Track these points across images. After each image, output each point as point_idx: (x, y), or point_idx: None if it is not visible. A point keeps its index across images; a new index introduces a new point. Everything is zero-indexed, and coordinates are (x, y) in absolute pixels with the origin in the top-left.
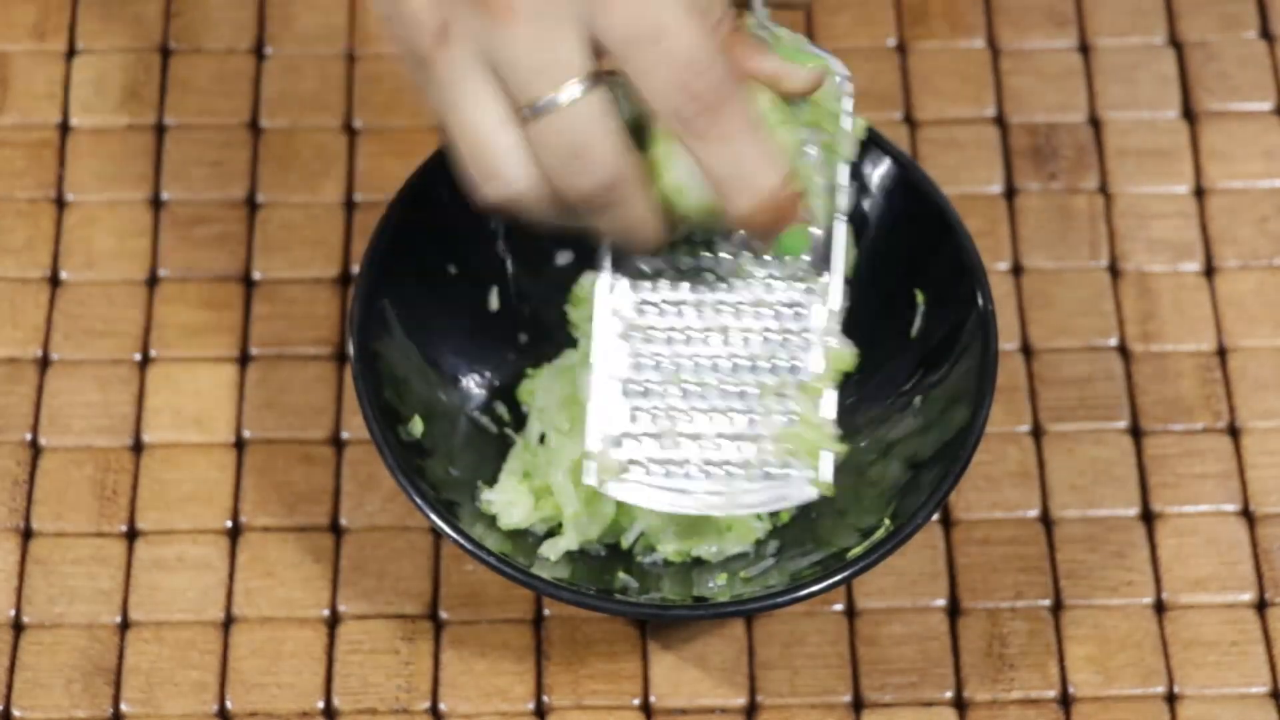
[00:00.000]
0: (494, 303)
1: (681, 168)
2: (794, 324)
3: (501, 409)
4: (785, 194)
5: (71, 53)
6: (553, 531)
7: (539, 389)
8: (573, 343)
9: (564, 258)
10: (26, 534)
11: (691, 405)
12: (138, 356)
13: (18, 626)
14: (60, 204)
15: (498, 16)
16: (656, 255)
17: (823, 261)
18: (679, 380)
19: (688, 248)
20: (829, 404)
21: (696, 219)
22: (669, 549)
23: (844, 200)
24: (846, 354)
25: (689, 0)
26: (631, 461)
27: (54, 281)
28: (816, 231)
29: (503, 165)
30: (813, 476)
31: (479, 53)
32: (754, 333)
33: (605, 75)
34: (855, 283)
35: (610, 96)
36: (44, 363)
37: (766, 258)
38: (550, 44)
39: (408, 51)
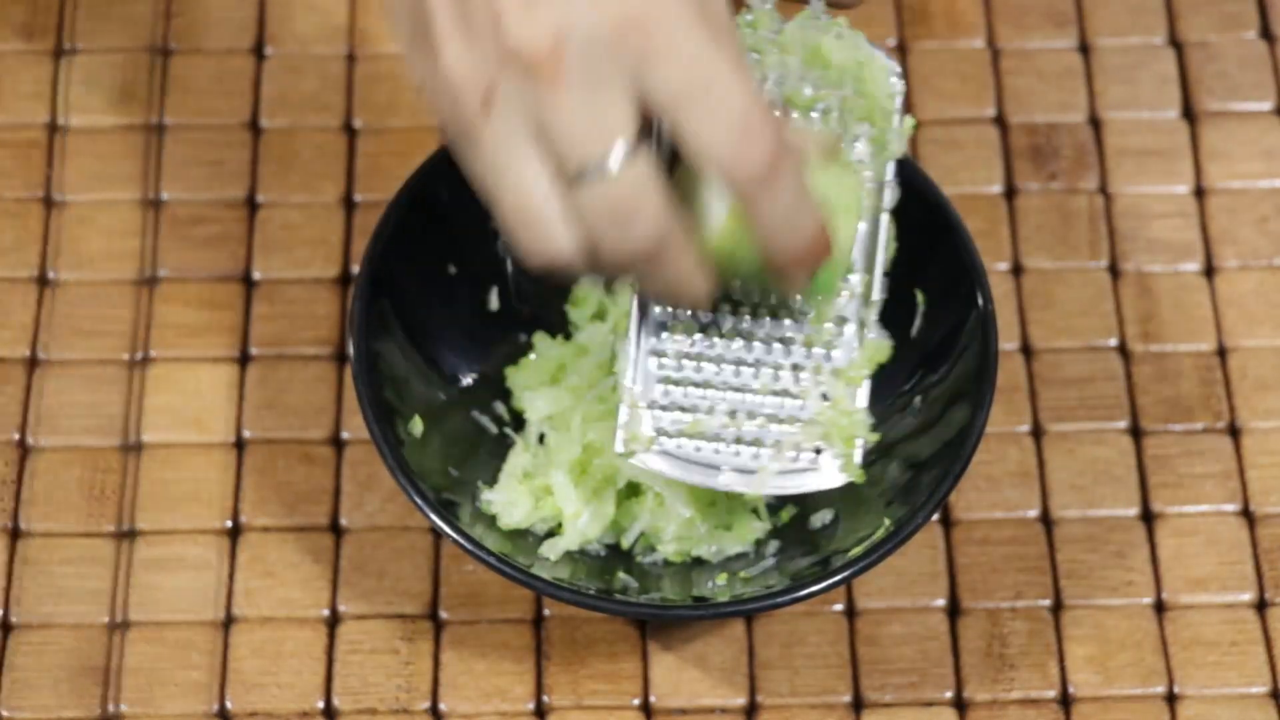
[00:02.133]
0: (494, 303)
1: (729, 223)
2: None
3: (501, 409)
4: (825, 237)
5: (60, 52)
6: (553, 532)
7: (530, 386)
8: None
9: None
10: (15, 534)
11: (725, 381)
12: (127, 356)
13: (6, 626)
14: (49, 204)
15: (546, 81)
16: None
17: (864, 256)
18: (715, 358)
19: (729, 306)
20: (863, 393)
21: (744, 271)
22: (669, 549)
23: (890, 196)
24: (884, 344)
25: (737, 56)
26: (660, 432)
27: (42, 281)
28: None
29: (551, 231)
30: (843, 463)
31: (525, 119)
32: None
33: (645, 128)
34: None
35: (654, 156)
36: (32, 362)
37: (800, 308)
38: (599, 106)
39: (450, 119)
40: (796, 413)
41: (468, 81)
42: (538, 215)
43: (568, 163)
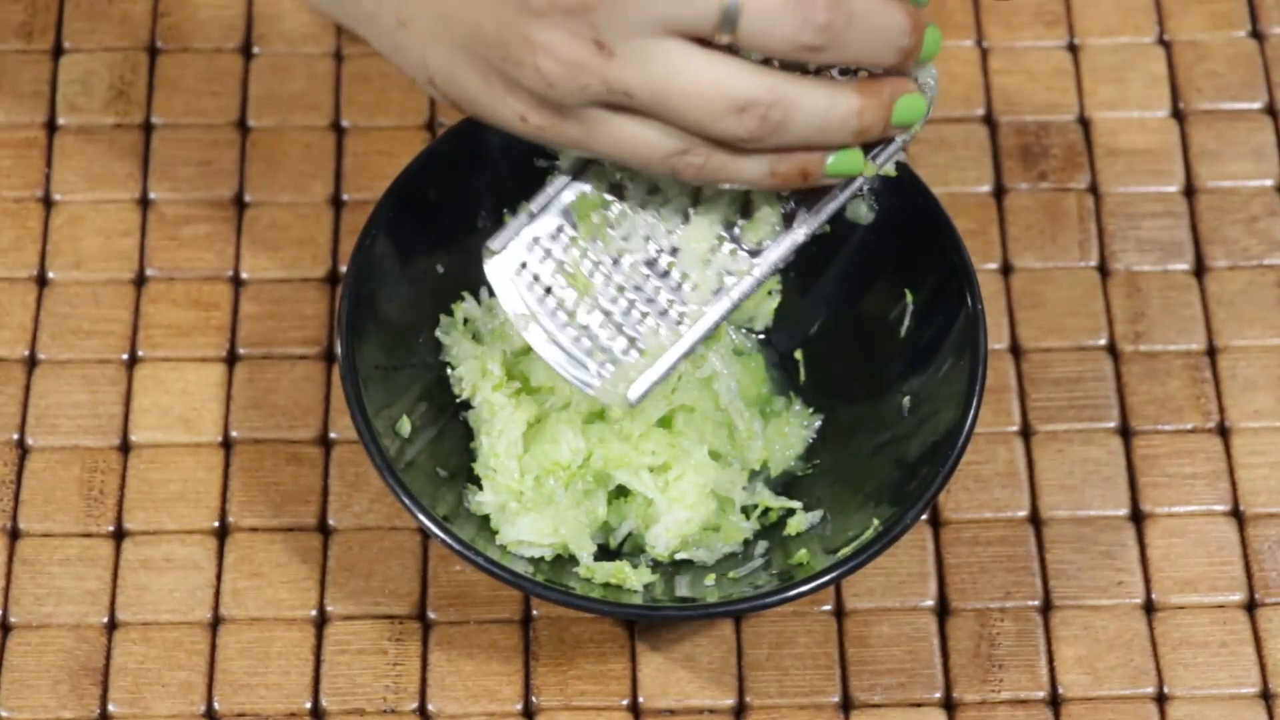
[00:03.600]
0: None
1: None
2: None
3: None
4: (917, 19)
5: (59, 52)
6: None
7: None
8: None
9: None
10: (14, 534)
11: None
12: (125, 356)
13: (5, 627)
14: (47, 203)
15: None
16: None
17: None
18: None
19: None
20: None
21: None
22: (657, 549)
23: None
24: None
25: None
26: (524, 267)
27: (41, 281)
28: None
29: (741, 82)
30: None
31: (644, 28)
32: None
33: None
34: (844, 284)
35: None
36: (31, 362)
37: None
38: None
39: (583, 96)
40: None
41: (577, 50)
42: (721, 81)
43: (707, 24)
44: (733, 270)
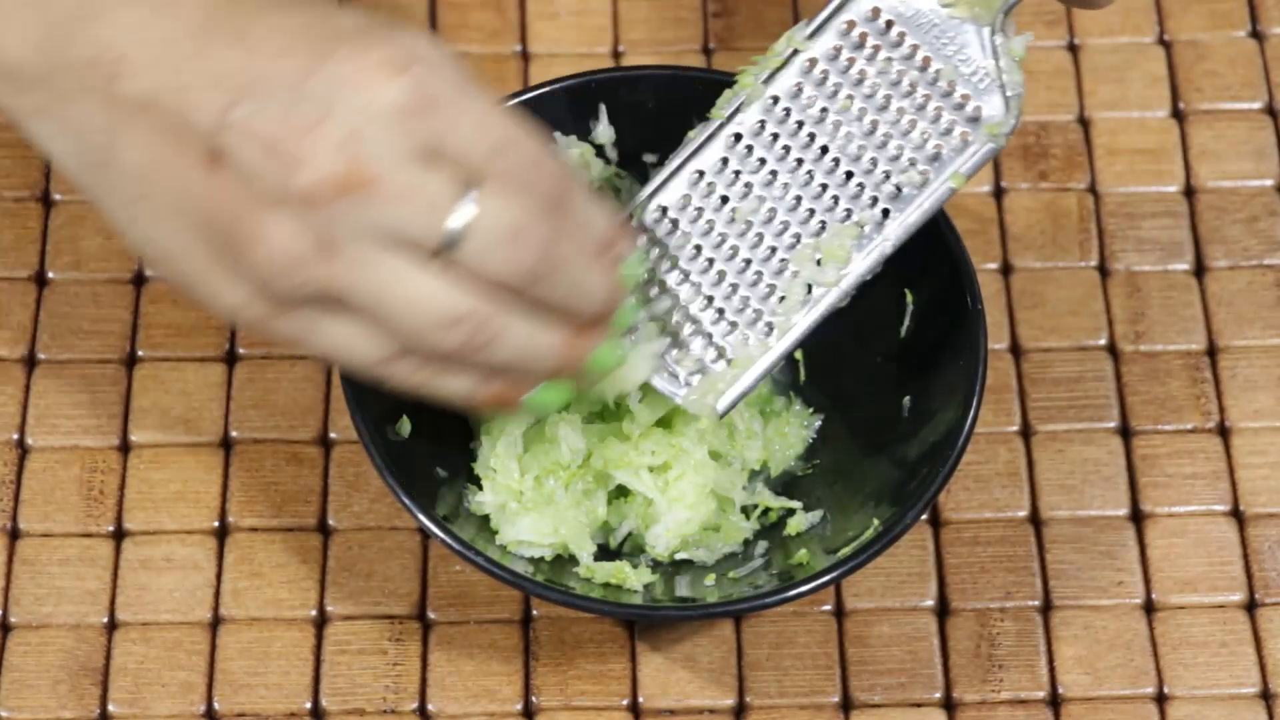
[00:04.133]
0: None
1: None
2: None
3: None
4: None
5: None
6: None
7: None
8: None
9: None
10: (14, 534)
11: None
12: (125, 356)
13: (5, 627)
14: (47, 203)
15: (366, 192)
16: None
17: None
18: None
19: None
20: None
21: None
22: (657, 549)
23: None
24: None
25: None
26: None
27: (41, 281)
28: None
29: (454, 302)
30: None
31: (373, 236)
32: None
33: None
34: None
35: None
36: (31, 362)
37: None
38: (427, 181)
39: (303, 291)
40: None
41: (300, 245)
42: (436, 295)
43: (431, 240)
44: (820, 281)
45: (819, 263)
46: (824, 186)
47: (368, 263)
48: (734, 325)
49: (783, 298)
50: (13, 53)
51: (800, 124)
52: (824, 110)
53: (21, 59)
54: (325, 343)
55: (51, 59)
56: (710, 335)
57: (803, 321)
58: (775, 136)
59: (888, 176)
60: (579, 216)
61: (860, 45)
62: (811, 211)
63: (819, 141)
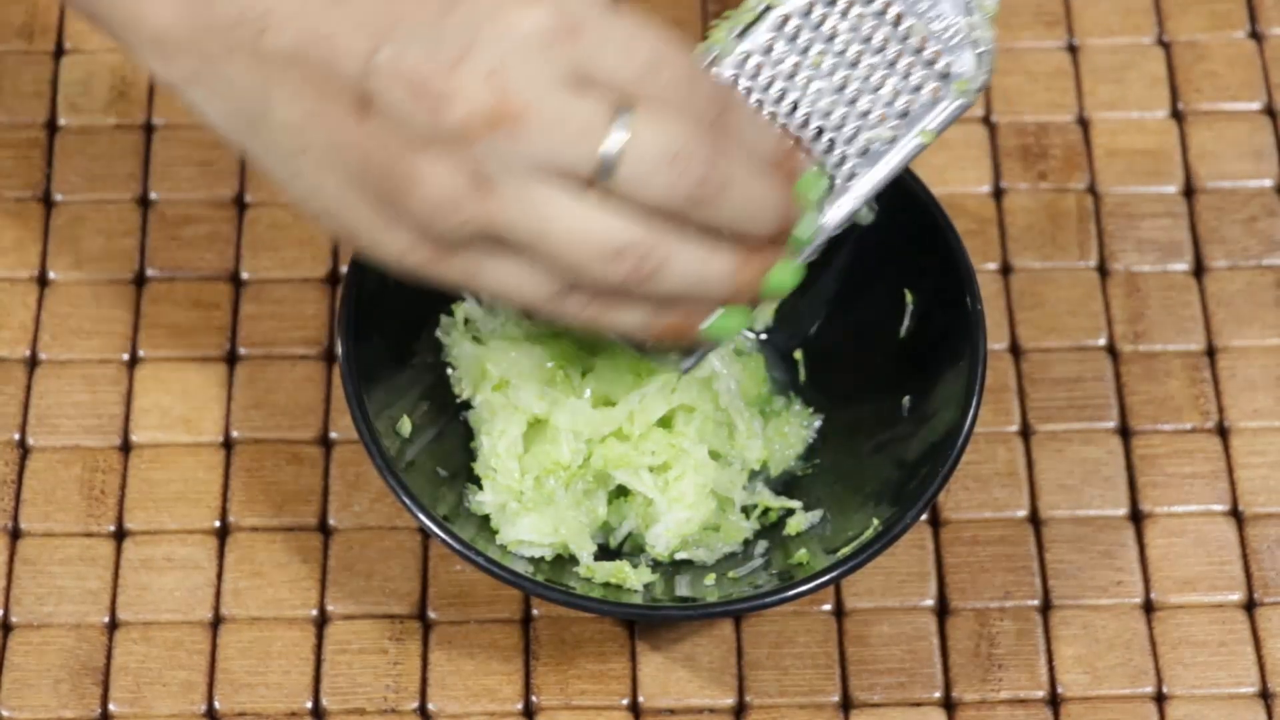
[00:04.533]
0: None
1: None
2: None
3: None
4: (790, 201)
5: (60, 53)
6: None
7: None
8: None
9: None
10: (14, 534)
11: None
12: (126, 356)
13: (6, 627)
14: (48, 203)
15: (516, 125)
16: None
17: None
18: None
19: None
20: None
21: None
22: (657, 549)
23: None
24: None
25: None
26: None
27: (42, 281)
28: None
29: (612, 230)
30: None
31: (526, 169)
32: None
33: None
34: (843, 284)
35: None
36: (32, 362)
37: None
38: (575, 110)
39: (462, 230)
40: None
41: (457, 183)
42: (596, 226)
43: (585, 168)
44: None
45: (880, 119)
46: (795, 142)
47: (524, 197)
48: None
49: (842, 159)
50: (158, 21)
51: (772, 80)
52: (795, 66)
53: (167, 26)
54: (493, 282)
55: (196, 23)
56: None
57: (879, 170)
58: (747, 91)
59: (858, 133)
60: (742, 133)
61: (833, 1)
62: None
63: (790, 97)
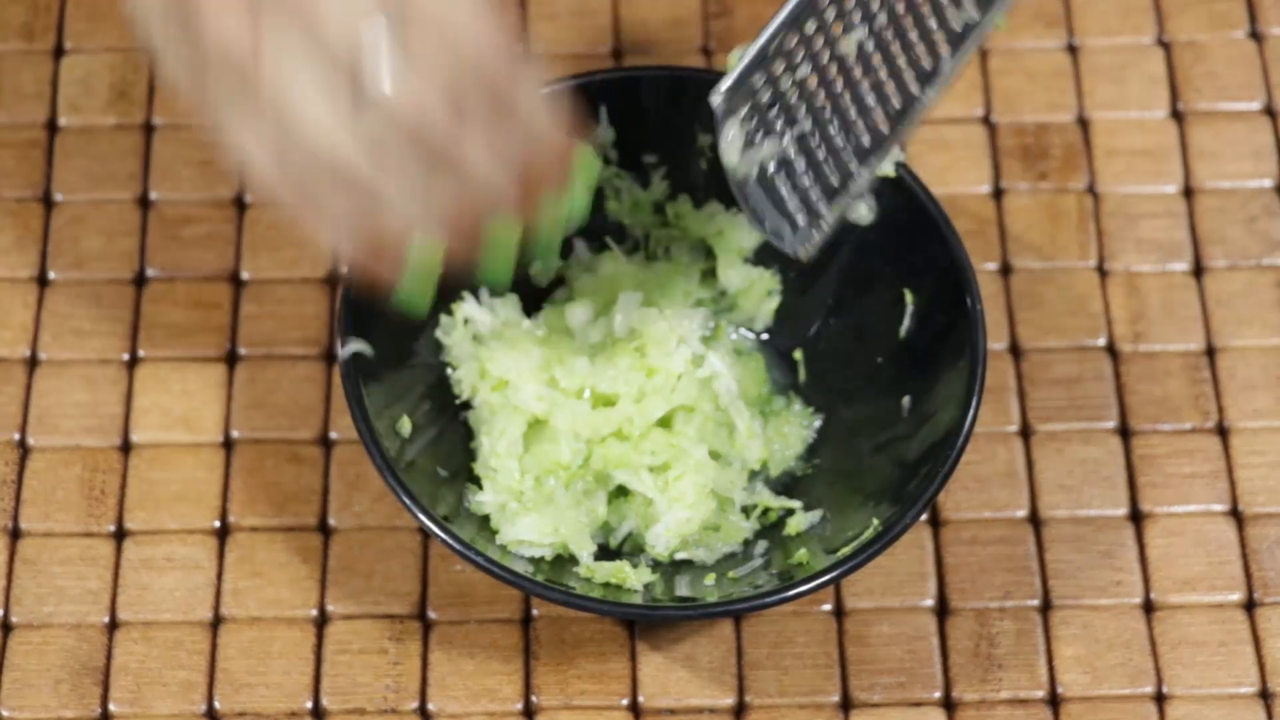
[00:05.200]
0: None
1: None
2: None
3: None
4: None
5: (60, 53)
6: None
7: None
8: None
9: None
10: (15, 534)
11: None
12: (126, 356)
13: (6, 626)
14: (48, 203)
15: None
16: None
17: None
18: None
19: None
20: None
21: None
22: (657, 549)
23: None
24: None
25: None
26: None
27: (42, 281)
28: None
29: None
30: None
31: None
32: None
33: None
34: (843, 284)
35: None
36: (32, 362)
37: None
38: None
39: (218, 52)
40: None
41: (240, 23)
42: (330, 126)
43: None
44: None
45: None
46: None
47: (284, 51)
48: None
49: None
50: None
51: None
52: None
53: None
54: (235, 138)
55: None
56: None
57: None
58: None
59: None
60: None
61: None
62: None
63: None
